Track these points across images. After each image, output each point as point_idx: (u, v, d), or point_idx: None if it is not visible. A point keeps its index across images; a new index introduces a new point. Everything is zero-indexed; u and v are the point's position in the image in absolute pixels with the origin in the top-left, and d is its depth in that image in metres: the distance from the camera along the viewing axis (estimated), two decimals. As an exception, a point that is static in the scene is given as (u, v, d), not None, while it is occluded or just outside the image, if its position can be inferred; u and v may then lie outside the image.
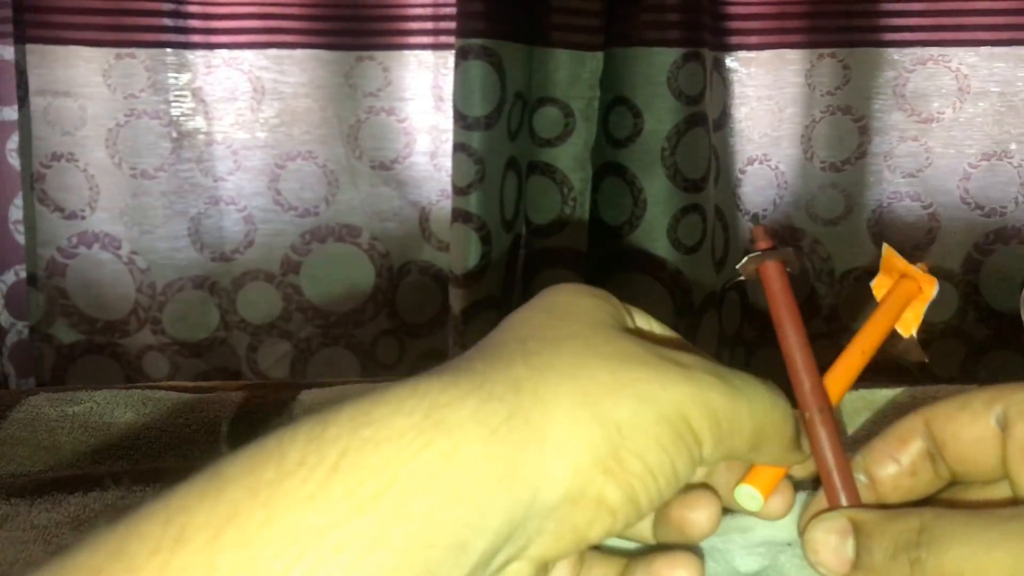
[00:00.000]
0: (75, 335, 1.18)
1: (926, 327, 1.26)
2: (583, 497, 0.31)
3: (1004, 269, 1.21)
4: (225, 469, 0.28)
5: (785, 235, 1.22)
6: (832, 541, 0.35)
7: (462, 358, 0.33)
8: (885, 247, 0.45)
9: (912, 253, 1.21)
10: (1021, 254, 1.21)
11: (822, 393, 0.40)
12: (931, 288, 0.44)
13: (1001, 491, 0.37)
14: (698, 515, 0.36)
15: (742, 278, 0.42)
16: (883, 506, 0.38)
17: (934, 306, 1.30)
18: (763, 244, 0.41)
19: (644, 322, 0.40)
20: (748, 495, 0.37)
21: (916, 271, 0.44)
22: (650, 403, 0.32)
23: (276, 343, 1.21)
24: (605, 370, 0.32)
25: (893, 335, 0.44)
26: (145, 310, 1.18)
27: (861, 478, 0.39)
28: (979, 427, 0.37)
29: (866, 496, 0.39)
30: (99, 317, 1.18)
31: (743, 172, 1.20)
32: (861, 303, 0.43)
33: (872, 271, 1.30)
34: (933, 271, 0.44)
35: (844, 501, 0.38)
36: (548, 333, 0.34)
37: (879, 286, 0.45)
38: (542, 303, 0.37)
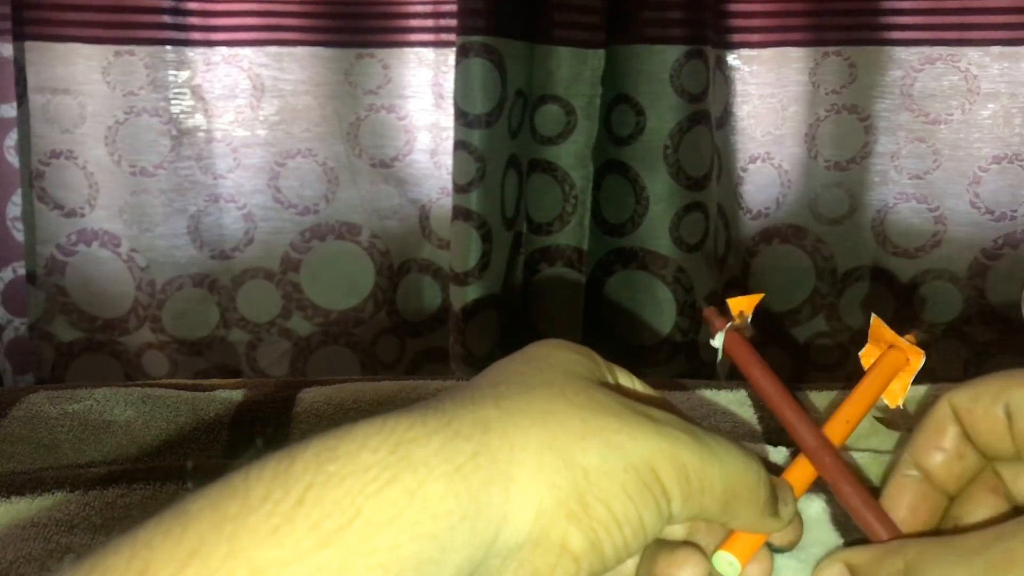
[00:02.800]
0: (74, 333, 1.18)
1: (929, 329, 1.26)
2: (546, 540, 0.31)
3: (1011, 273, 1.20)
4: (190, 505, 0.29)
5: (788, 233, 1.22)
6: None
7: (432, 398, 0.34)
8: (873, 317, 0.46)
9: (916, 255, 1.22)
10: (1031, 259, 1.20)
11: (827, 442, 0.42)
12: (918, 359, 0.45)
13: None
14: (684, 574, 0.37)
15: (720, 358, 0.44)
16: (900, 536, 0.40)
17: (937, 309, 1.29)
18: (720, 324, 0.44)
19: (627, 380, 0.41)
20: (726, 561, 0.38)
21: (904, 342, 0.45)
22: (619, 451, 0.32)
23: (276, 341, 1.21)
24: (576, 417, 0.33)
25: (880, 404, 0.45)
26: (144, 308, 1.18)
27: (914, 473, 0.41)
28: (991, 419, 0.39)
29: (923, 489, 0.41)
30: (98, 315, 1.18)
31: (745, 170, 1.20)
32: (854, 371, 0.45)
33: (875, 271, 1.31)
34: (920, 342, 0.45)
35: (884, 534, 0.39)
36: (522, 380, 0.35)
37: (867, 356, 0.46)
38: (522, 355, 0.38)
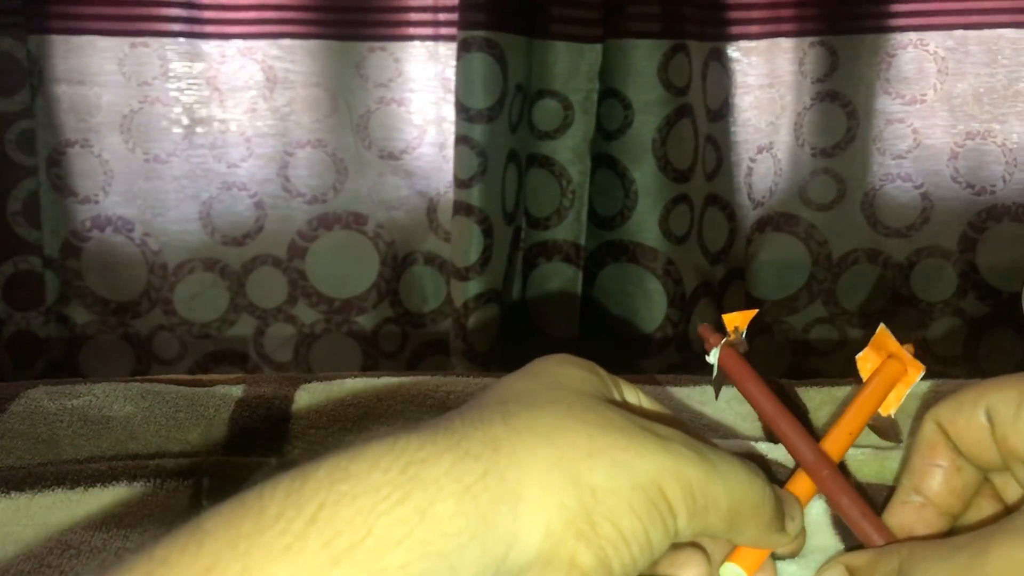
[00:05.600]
0: (88, 315, 1.17)
1: (925, 307, 1.28)
2: (555, 559, 0.31)
3: (999, 246, 1.20)
4: (206, 522, 0.28)
5: (780, 221, 1.20)
6: None
7: (442, 417, 0.33)
8: (881, 326, 0.44)
9: (908, 233, 1.20)
10: (1014, 232, 1.20)
11: (823, 455, 0.41)
12: (917, 373, 0.44)
13: None
14: (686, 574, 0.37)
15: (716, 374, 0.43)
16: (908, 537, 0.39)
17: (933, 286, 1.29)
18: (714, 340, 0.43)
19: (632, 395, 0.40)
20: (733, 573, 0.37)
21: (906, 355, 0.44)
22: (626, 470, 0.32)
23: (282, 327, 1.20)
24: (583, 435, 0.32)
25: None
26: (156, 291, 1.17)
27: (916, 499, 0.40)
28: (975, 428, 0.38)
29: (926, 516, 0.40)
30: (112, 298, 1.17)
31: (754, 160, 1.19)
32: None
33: (869, 252, 1.31)
34: (919, 355, 0.44)
35: (879, 541, 0.39)
36: (530, 397, 0.34)
37: (864, 360, 0.45)
38: (529, 370, 0.37)
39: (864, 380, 0.45)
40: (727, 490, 0.34)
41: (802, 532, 0.40)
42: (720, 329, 0.44)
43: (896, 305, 1.22)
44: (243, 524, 0.28)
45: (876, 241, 1.21)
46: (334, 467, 0.30)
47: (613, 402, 0.36)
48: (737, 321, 0.43)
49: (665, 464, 0.32)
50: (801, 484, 0.41)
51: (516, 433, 0.32)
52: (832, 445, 0.42)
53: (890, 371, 0.44)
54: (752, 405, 0.42)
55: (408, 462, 0.30)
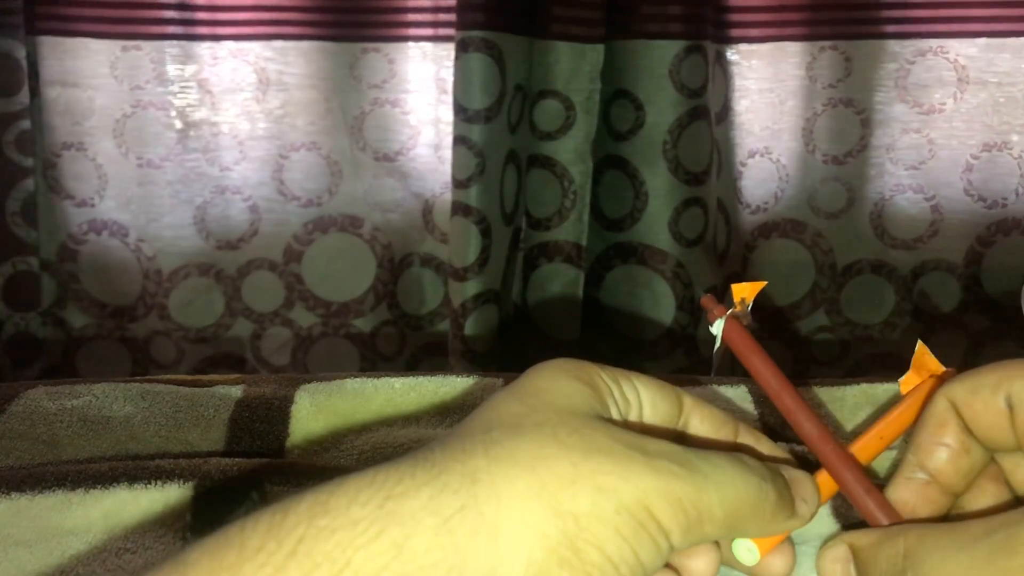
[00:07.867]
0: (85, 319, 1.18)
1: (927, 319, 1.25)
2: None
3: (1005, 260, 1.20)
4: (188, 555, 0.30)
5: (787, 228, 1.20)
6: (838, 569, 0.37)
7: (425, 447, 0.34)
8: (919, 344, 0.44)
9: (914, 246, 1.20)
10: (1021, 245, 1.19)
11: (827, 431, 0.41)
12: None
13: None
14: (696, 563, 0.37)
15: (719, 346, 0.43)
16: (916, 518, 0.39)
17: (937, 299, 1.28)
18: (719, 311, 0.42)
19: (631, 390, 0.39)
20: (745, 549, 0.37)
21: (948, 373, 0.43)
22: (610, 494, 0.32)
23: (279, 331, 1.20)
24: (566, 461, 0.33)
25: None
26: (152, 296, 1.17)
27: (921, 476, 0.40)
28: (992, 411, 0.38)
29: (929, 492, 0.39)
30: (108, 302, 1.18)
31: (744, 165, 1.19)
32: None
33: (875, 264, 1.30)
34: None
35: (886, 521, 0.38)
36: (515, 422, 0.35)
37: (907, 383, 0.45)
38: (519, 388, 0.37)
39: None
40: (721, 499, 0.34)
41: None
42: (724, 300, 0.43)
43: (898, 317, 1.22)
44: (225, 557, 0.29)
45: (882, 252, 1.21)
46: (314, 502, 0.31)
47: (605, 417, 0.37)
48: (745, 292, 0.43)
49: (652, 483, 0.33)
50: (823, 475, 0.40)
51: (496, 463, 0.32)
52: (863, 448, 0.41)
53: (932, 389, 0.43)
54: (756, 379, 0.42)
55: (386, 496, 0.31)
